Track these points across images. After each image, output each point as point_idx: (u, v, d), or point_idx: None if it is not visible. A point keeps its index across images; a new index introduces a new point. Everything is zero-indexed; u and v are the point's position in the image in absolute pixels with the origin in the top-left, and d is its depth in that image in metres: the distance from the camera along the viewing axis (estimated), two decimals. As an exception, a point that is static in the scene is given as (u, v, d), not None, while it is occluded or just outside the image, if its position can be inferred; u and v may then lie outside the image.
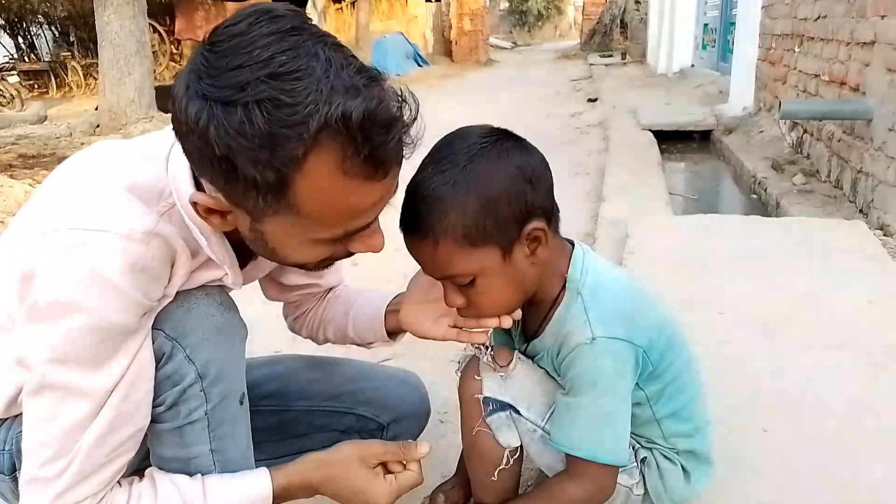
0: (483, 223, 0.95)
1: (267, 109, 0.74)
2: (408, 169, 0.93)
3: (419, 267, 1.08)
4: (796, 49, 4.76)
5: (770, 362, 1.83)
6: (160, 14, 13.42)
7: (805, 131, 4.44)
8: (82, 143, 6.56)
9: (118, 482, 0.94)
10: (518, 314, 1.09)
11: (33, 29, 13.83)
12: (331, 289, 1.36)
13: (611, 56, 16.27)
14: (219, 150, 0.76)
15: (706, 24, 10.25)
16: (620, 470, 1.10)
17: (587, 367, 1.01)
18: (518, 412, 1.09)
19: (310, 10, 16.83)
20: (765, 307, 2.16)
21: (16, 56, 13.57)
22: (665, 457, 1.14)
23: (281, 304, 1.39)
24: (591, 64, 14.67)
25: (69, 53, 13.12)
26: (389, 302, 1.29)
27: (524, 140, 1.01)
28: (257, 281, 1.28)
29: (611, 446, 1.04)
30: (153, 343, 0.92)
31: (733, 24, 7.22)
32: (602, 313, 1.01)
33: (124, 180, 0.90)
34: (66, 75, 12.62)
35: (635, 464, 1.12)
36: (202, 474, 0.98)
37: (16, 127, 7.88)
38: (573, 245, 1.09)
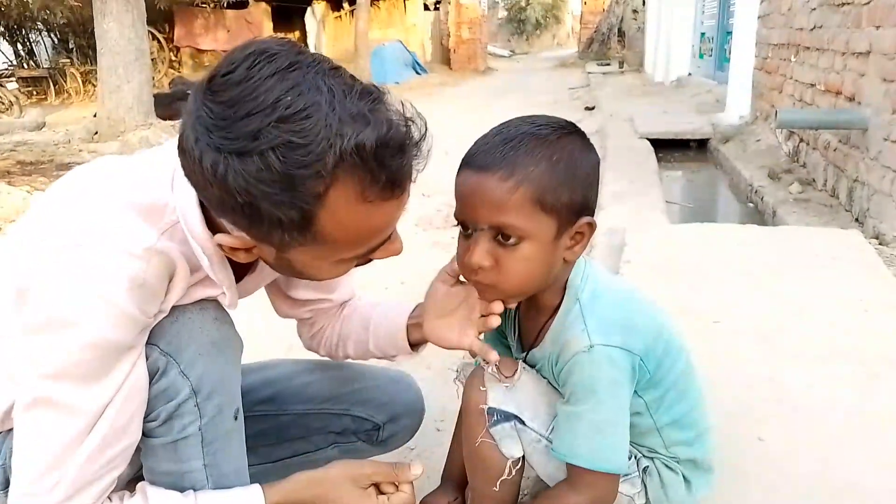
0: (560, 194, 0.96)
1: (282, 153, 0.74)
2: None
3: (429, 287, 1.08)
4: (792, 59, 4.79)
5: (766, 371, 1.83)
6: (159, 21, 13.49)
7: (801, 140, 4.46)
8: (80, 150, 6.56)
9: (109, 497, 0.93)
10: (512, 304, 1.10)
11: (32, 36, 13.87)
12: (344, 304, 1.34)
13: (608, 65, 16.35)
14: (240, 198, 0.77)
15: (703, 34, 10.31)
16: (622, 479, 1.10)
17: (586, 375, 1.01)
18: (522, 422, 1.10)
19: (308, 19, 16.90)
20: (761, 316, 2.16)
21: (15, 63, 13.59)
22: (667, 466, 1.14)
23: (294, 321, 1.37)
24: (589, 72, 14.73)
25: (68, 60, 13.16)
26: (410, 314, 1.26)
27: None
28: (268, 298, 1.29)
29: (611, 454, 1.04)
30: (147, 358, 0.92)
31: (730, 33, 7.26)
32: (600, 321, 1.02)
33: (126, 196, 0.90)
34: (65, 82, 12.65)
35: (637, 473, 1.13)
36: (195, 489, 0.98)
37: (14, 133, 7.88)
38: None
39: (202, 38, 15.86)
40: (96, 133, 7.15)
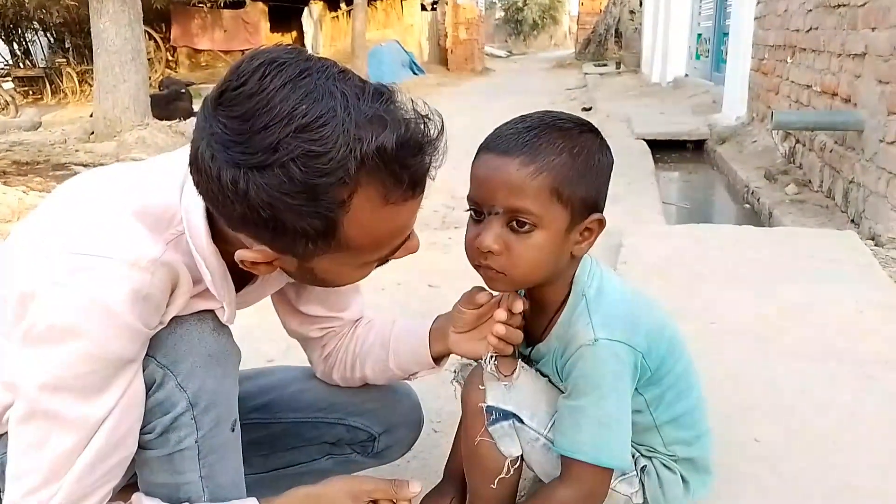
0: (576, 187, 0.98)
1: (303, 163, 0.74)
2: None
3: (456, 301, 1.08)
4: (789, 60, 4.80)
5: (761, 372, 1.84)
6: (156, 21, 13.45)
7: (797, 142, 4.47)
8: (77, 150, 6.54)
9: None
10: (526, 305, 1.10)
11: (29, 35, 13.81)
12: (355, 323, 1.31)
13: (605, 65, 16.36)
14: (264, 212, 0.77)
15: (700, 35, 10.33)
16: (620, 479, 1.10)
17: (589, 368, 1.02)
18: (521, 420, 1.10)
19: (305, 19, 16.88)
20: (757, 317, 2.17)
21: (11, 62, 13.55)
22: (665, 466, 1.14)
23: (298, 340, 1.33)
24: (586, 73, 14.75)
25: (64, 60, 13.11)
26: (430, 328, 1.23)
27: None
28: (277, 314, 1.27)
29: (614, 450, 1.04)
30: (144, 370, 0.91)
31: (727, 34, 7.28)
32: (605, 317, 1.03)
33: (133, 205, 0.89)
34: (61, 82, 12.61)
35: (635, 473, 1.13)
36: (191, 501, 0.97)
37: (10, 133, 7.85)
38: None
39: (199, 37, 15.84)
40: (92, 133, 7.13)
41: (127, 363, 0.87)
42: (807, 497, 1.36)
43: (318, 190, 0.75)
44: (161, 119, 7.29)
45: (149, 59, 9.36)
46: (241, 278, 1.02)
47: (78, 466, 0.86)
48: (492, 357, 1.11)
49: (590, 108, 8.70)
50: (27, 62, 13.71)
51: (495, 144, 1.00)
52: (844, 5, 3.72)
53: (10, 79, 11.95)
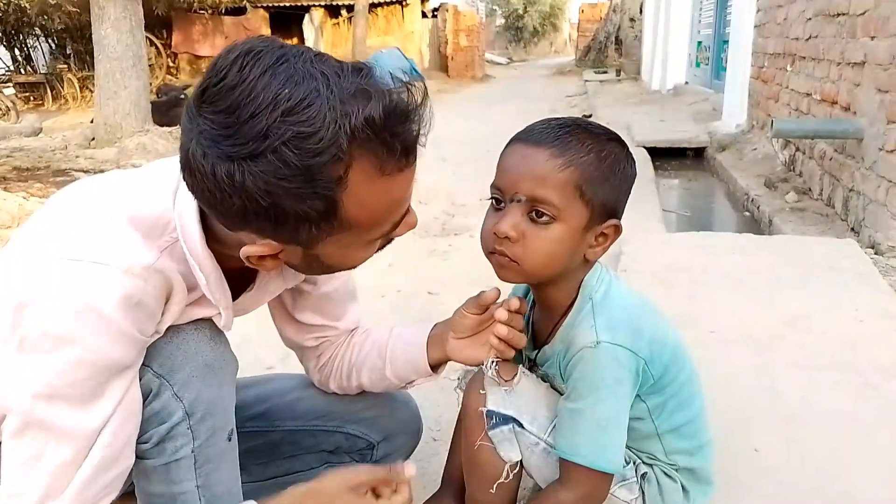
0: (599, 189, 1.01)
1: (295, 145, 0.74)
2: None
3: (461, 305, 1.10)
4: (788, 68, 4.81)
5: (762, 381, 1.83)
6: (157, 27, 13.49)
7: (797, 149, 4.47)
8: (77, 157, 6.55)
9: None
10: (524, 307, 1.12)
11: (30, 41, 13.86)
12: (351, 332, 1.31)
13: (605, 72, 16.40)
14: (263, 201, 0.77)
15: (700, 42, 10.36)
16: (620, 484, 1.10)
17: (589, 370, 1.02)
18: (521, 425, 1.10)
19: (306, 26, 16.94)
20: (757, 325, 2.16)
21: (12, 68, 13.59)
22: (665, 473, 1.14)
23: (294, 346, 1.33)
24: (586, 80, 14.78)
25: (65, 66, 13.14)
26: (428, 335, 1.23)
27: None
28: (274, 323, 1.27)
29: (611, 453, 1.04)
30: (140, 379, 0.91)
31: (727, 42, 7.30)
32: (609, 320, 1.03)
33: (127, 212, 0.89)
34: (62, 88, 12.64)
35: (635, 479, 1.13)
36: None
37: (10, 139, 7.86)
38: None
39: (200, 44, 15.88)
40: (93, 139, 7.14)
41: (122, 370, 0.87)
42: (807, 507, 1.35)
43: (313, 170, 0.76)
44: (161, 125, 7.30)
45: (150, 66, 9.39)
46: (238, 286, 1.01)
47: (78, 479, 0.85)
48: (493, 362, 1.11)
49: (590, 116, 8.70)
50: (28, 68, 13.75)
51: (527, 136, 1.04)
52: (844, 14, 3.73)
53: (11, 84, 11.99)
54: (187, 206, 0.89)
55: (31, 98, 12.80)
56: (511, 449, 1.11)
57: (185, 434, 0.94)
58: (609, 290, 1.08)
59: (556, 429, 1.09)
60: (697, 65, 10.42)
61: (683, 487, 1.15)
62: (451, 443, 1.33)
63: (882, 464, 1.48)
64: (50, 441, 0.84)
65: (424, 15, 18.05)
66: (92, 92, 9.85)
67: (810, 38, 4.34)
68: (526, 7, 36.51)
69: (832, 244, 3.01)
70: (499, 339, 1.09)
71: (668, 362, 1.08)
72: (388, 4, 16.53)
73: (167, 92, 9.35)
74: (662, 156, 6.01)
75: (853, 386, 1.80)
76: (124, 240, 0.86)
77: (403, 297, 2.71)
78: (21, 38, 13.71)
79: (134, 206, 0.90)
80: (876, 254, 2.96)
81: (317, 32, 17.10)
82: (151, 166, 1.00)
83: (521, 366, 1.14)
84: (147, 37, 8.45)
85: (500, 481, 1.11)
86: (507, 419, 1.10)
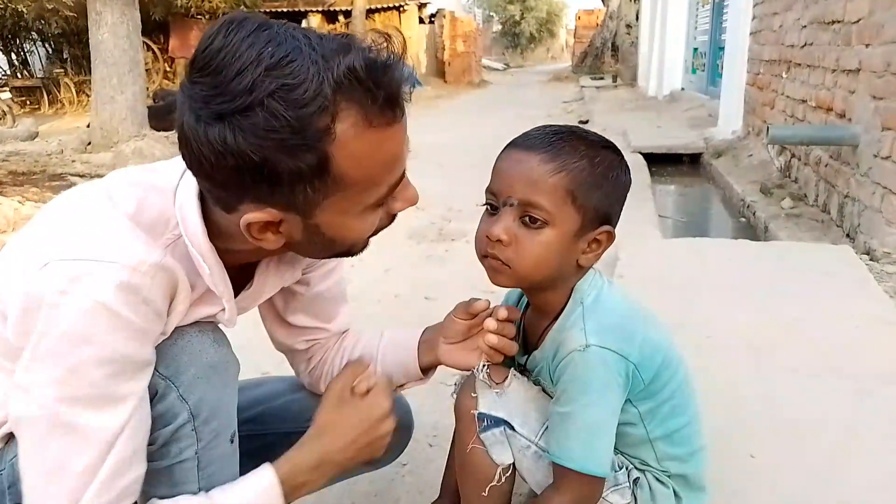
0: (591, 195, 1.02)
1: (282, 97, 0.76)
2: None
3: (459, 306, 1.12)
4: (784, 75, 4.83)
5: (757, 387, 1.84)
6: (154, 32, 13.47)
7: (793, 156, 4.49)
8: (73, 161, 6.54)
9: None
10: (515, 315, 1.13)
11: (27, 45, 13.84)
12: (342, 336, 1.31)
13: (602, 79, 16.46)
14: (256, 156, 0.78)
15: (696, 49, 10.40)
16: (613, 489, 1.10)
17: (578, 373, 1.02)
18: (512, 428, 1.10)
19: (304, 31, 16.94)
20: (752, 331, 2.17)
21: (8, 72, 13.57)
22: (657, 479, 1.14)
23: (289, 353, 1.33)
24: (583, 86, 14.82)
25: (62, 70, 13.12)
26: (419, 339, 1.23)
27: None
28: (265, 327, 1.27)
29: (599, 457, 1.04)
30: None
31: (722, 48, 7.32)
32: (598, 324, 1.03)
33: (129, 211, 0.89)
34: (59, 92, 12.62)
35: (627, 484, 1.12)
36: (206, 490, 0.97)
37: (6, 143, 7.84)
38: None
39: (197, 48, 15.91)
40: (89, 143, 7.13)
41: (139, 368, 0.87)
42: (803, 513, 1.35)
43: (302, 121, 0.77)
44: (158, 130, 7.28)
45: (147, 70, 9.38)
46: (236, 285, 1.02)
47: (97, 482, 0.84)
48: (484, 365, 1.12)
49: (586, 122, 8.72)
50: (25, 72, 13.73)
51: (521, 141, 1.05)
52: (839, 22, 3.75)
53: (7, 89, 11.96)
54: (188, 200, 0.90)
55: (28, 102, 12.77)
56: (503, 451, 1.11)
57: (189, 436, 0.94)
58: (600, 294, 1.08)
59: (547, 433, 1.09)
60: (693, 71, 10.46)
61: (676, 493, 1.15)
62: (450, 453, 1.33)
63: (878, 469, 1.48)
64: (74, 444, 0.83)
65: (422, 21, 18.10)
66: (88, 96, 9.84)
67: (806, 45, 4.36)
68: (523, 13, 36.64)
69: (828, 250, 3.01)
70: (489, 346, 1.10)
71: (659, 367, 1.07)
72: (385, 10, 16.56)
73: (164, 97, 9.26)
74: (658, 162, 6.02)
75: (849, 392, 1.80)
76: (129, 238, 0.86)
77: (400, 302, 2.71)
78: (18, 42, 13.69)
79: (135, 206, 0.90)
80: (871, 260, 2.96)
81: (314, 38, 17.11)
82: (148, 167, 1.01)
83: (512, 369, 1.15)
84: (144, 41, 8.44)
85: (492, 484, 1.12)
86: (498, 422, 1.10)
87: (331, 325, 1.27)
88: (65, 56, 13.65)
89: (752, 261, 2.86)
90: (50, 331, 0.81)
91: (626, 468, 1.13)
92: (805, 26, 4.37)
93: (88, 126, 7.52)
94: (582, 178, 1.01)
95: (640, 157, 5.81)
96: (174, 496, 0.95)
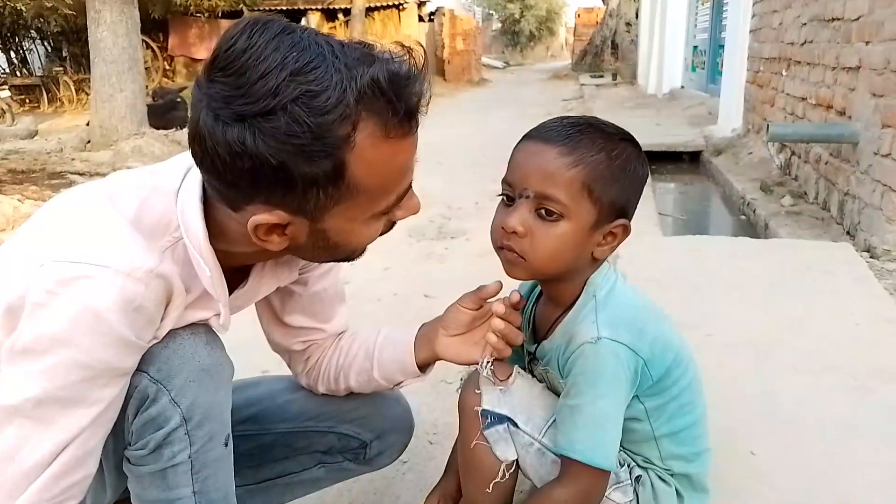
0: (608, 188, 1.01)
1: (304, 103, 0.77)
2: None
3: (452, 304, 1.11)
4: (784, 72, 4.83)
5: (758, 384, 1.83)
6: (154, 30, 13.46)
7: (793, 153, 4.48)
8: (73, 159, 6.54)
9: None
10: (522, 303, 1.13)
11: (26, 44, 13.83)
12: (339, 336, 1.30)
13: (602, 77, 16.44)
14: (274, 160, 0.78)
15: (696, 47, 10.39)
16: (614, 487, 1.10)
17: (589, 365, 1.02)
18: (516, 425, 1.10)
19: (303, 29, 16.94)
20: (753, 329, 2.17)
21: (7, 71, 13.56)
22: (660, 478, 1.14)
23: (286, 355, 1.32)
24: (583, 84, 14.81)
25: (61, 69, 13.12)
26: (416, 335, 1.22)
27: None
28: (262, 327, 1.26)
29: (606, 450, 1.04)
30: (137, 385, 0.90)
31: (722, 46, 7.32)
32: (611, 317, 1.03)
33: (129, 213, 0.89)
34: (58, 90, 12.61)
35: (630, 482, 1.12)
36: None
37: (6, 142, 7.85)
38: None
39: (196, 47, 15.86)
40: (89, 142, 7.13)
41: (116, 376, 0.86)
42: (804, 511, 1.35)
43: (322, 128, 0.78)
44: (158, 128, 7.29)
45: (146, 69, 9.38)
46: (231, 285, 1.01)
47: (43, 477, 0.84)
48: (488, 362, 1.11)
49: (586, 120, 8.72)
50: (24, 70, 13.72)
51: (538, 133, 1.04)
52: (839, 19, 3.75)
53: (6, 87, 11.94)
54: (190, 201, 0.90)
55: (27, 100, 12.76)
56: (507, 448, 1.11)
57: (182, 439, 0.93)
58: (614, 288, 1.08)
59: (555, 426, 1.09)
60: (693, 69, 10.46)
61: (678, 493, 1.15)
62: (451, 452, 1.32)
63: (878, 468, 1.48)
64: (30, 438, 0.83)
65: (421, 19, 18.08)
66: (88, 95, 9.83)
67: (805, 42, 4.36)
68: (522, 11, 36.60)
69: (828, 248, 3.01)
70: (495, 334, 1.09)
71: (670, 365, 1.07)
72: (384, 8, 16.54)
73: (163, 95, 9.34)
74: (658, 159, 6.02)
75: (850, 390, 1.80)
76: (127, 242, 0.86)
77: (400, 301, 2.71)
78: (17, 40, 13.68)
79: (136, 208, 0.90)
80: (872, 257, 2.96)
81: (313, 36, 17.10)
82: (150, 168, 1.00)
83: (516, 366, 1.14)
84: (143, 40, 8.44)
85: (496, 481, 1.11)
86: (502, 418, 1.10)
87: (328, 325, 1.26)
88: (64, 54, 13.65)
89: (752, 258, 2.86)
90: (32, 328, 0.81)
91: (629, 465, 1.13)
92: (805, 24, 4.36)
93: (88, 124, 7.52)
94: (599, 171, 1.00)
95: (640, 154, 5.80)
96: (168, 500, 0.95)
